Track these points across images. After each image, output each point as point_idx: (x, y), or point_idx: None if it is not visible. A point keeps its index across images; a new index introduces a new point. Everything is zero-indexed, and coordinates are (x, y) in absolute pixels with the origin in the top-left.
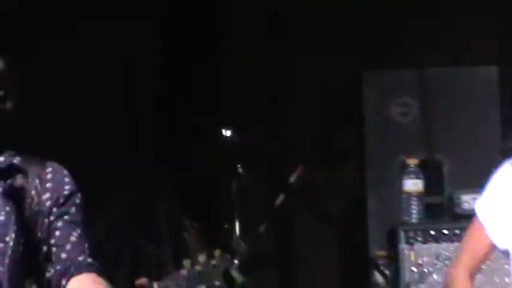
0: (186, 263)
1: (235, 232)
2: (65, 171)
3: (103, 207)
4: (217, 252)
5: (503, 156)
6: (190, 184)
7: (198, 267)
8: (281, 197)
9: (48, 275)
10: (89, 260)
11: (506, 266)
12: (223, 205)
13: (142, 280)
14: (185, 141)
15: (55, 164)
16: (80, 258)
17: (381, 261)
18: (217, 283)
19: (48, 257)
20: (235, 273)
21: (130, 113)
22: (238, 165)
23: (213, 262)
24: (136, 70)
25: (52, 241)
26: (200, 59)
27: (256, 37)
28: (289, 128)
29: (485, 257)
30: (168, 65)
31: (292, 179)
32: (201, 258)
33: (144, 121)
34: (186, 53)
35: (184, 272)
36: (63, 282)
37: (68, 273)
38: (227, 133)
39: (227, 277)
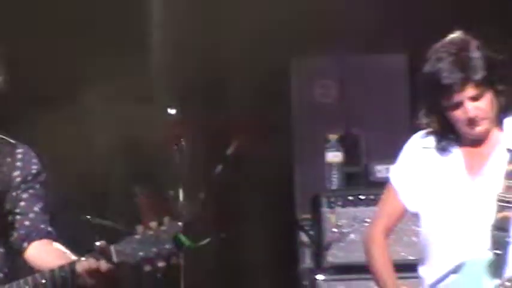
0: (139, 228)
1: (179, 198)
2: (33, 154)
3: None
4: (166, 219)
5: (412, 131)
6: (141, 156)
7: (150, 232)
8: (219, 167)
9: (11, 239)
10: (49, 228)
11: (413, 227)
12: (169, 175)
13: (102, 243)
14: None
15: (26, 146)
16: (42, 226)
17: (306, 223)
18: (167, 246)
19: (12, 224)
20: (183, 238)
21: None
22: (182, 139)
23: (163, 228)
24: None
25: (17, 210)
26: None
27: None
28: (227, 107)
29: (399, 219)
30: None
31: (229, 151)
32: (153, 224)
33: None
34: None
35: (137, 236)
36: (25, 244)
37: (30, 237)
38: (172, 111)
39: (176, 241)
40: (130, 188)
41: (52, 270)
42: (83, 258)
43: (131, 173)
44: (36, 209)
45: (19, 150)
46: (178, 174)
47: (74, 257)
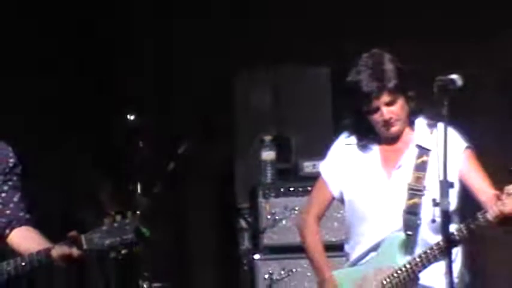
0: (106, 220)
1: (138, 192)
2: (10, 148)
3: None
4: (129, 213)
5: (334, 133)
6: (105, 156)
7: (115, 224)
8: (172, 164)
9: None
10: (27, 216)
11: (335, 214)
12: (129, 172)
13: (73, 233)
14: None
15: (2, 142)
16: (21, 214)
17: (245, 211)
18: (129, 236)
19: None
20: (143, 229)
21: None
22: (140, 141)
23: (127, 221)
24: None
25: None
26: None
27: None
28: (179, 112)
29: (328, 206)
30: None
31: (180, 150)
32: (117, 217)
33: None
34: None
35: (104, 227)
36: (7, 231)
37: (11, 225)
38: (131, 117)
39: (138, 232)
40: (96, 185)
41: (31, 255)
42: (57, 245)
43: (97, 171)
44: (15, 199)
45: None
46: (137, 171)
47: (49, 243)
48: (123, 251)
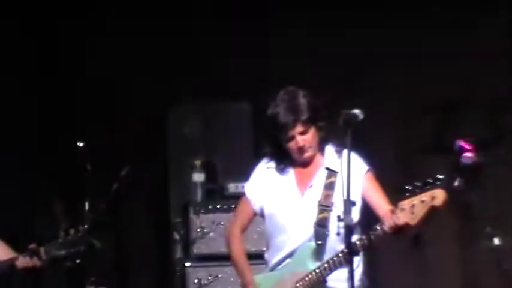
0: (61, 234)
1: (85, 208)
2: None
3: None
4: (81, 228)
5: (254, 160)
6: (60, 176)
7: (69, 237)
8: (115, 185)
9: None
10: None
11: (256, 228)
12: (79, 190)
13: (33, 245)
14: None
15: None
16: None
17: (178, 225)
18: (82, 247)
19: None
20: (95, 241)
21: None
22: (88, 164)
23: (79, 234)
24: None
25: None
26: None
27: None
28: (122, 140)
29: (251, 220)
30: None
31: (122, 172)
32: (71, 231)
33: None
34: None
35: (60, 240)
36: None
37: None
38: (80, 144)
39: (89, 244)
40: (51, 203)
41: None
42: (21, 257)
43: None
44: None
45: None
46: (84, 190)
47: (13, 253)
48: (77, 261)
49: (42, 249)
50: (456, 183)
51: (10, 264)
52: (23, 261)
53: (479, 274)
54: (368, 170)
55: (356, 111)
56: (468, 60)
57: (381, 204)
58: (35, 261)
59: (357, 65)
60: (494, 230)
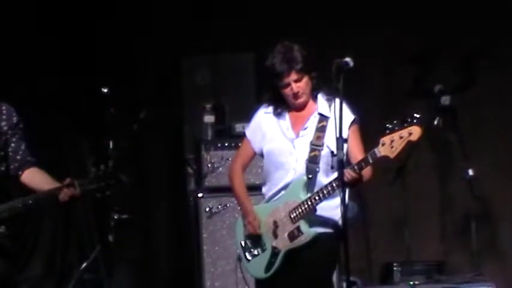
0: (92, 169)
1: (110, 146)
2: (12, 108)
3: None
4: (110, 163)
5: (258, 103)
6: (86, 118)
7: (100, 172)
8: (135, 125)
9: (2, 169)
10: (34, 159)
11: (259, 163)
12: (103, 131)
13: (69, 179)
14: None
15: (6, 104)
16: (28, 158)
17: (191, 161)
18: (111, 181)
19: (5, 159)
20: (122, 176)
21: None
22: (111, 108)
23: (109, 169)
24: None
25: (9, 149)
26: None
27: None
28: (141, 86)
29: (251, 159)
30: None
31: (142, 115)
32: (102, 167)
33: None
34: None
35: (92, 174)
36: (20, 172)
37: (23, 167)
38: (105, 90)
39: (117, 178)
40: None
41: (37, 194)
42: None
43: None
44: (22, 147)
45: (3, 107)
46: (109, 131)
47: (55, 182)
48: (107, 193)
49: (76, 183)
50: (436, 123)
51: (53, 193)
52: (64, 195)
53: (455, 200)
54: (354, 120)
55: (347, 59)
56: (444, 14)
57: (356, 155)
58: (73, 191)
59: (339, 18)
60: (468, 163)
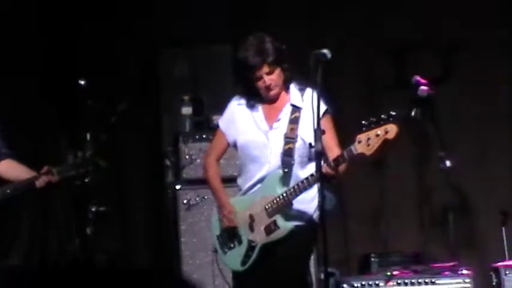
0: (70, 157)
1: (87, 139)
2: None
3: None
4: (88, 152)
5: (233, 95)
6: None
7: (78, 159)
8: (113, 118)
9: None
10: (10, 151)
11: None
12: (81, 123)
13: (46, 167)
14: None
15: None
16: (3, 150)
17: (169, 153)
18: (90, 167)
19: None
20: (100, 161)
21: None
22: (88, 100)
23: (86, 156)
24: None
25: None
26: None
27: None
28: (119, 78)
29: (225, 150)
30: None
31: (120, 108)
32: (79, 154)
33: None
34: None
35: (70, 162)
36: None
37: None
38: (82, 82)
39: (95, 164)
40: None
41: (14, 183)
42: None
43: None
44: None
45: None
46: (87, 123)
47: (32, 172)
48: (86, 180)
49: (54, 170)
50: (413, 114)
51: (31, 181)
52: (41, 181)
53: (432, 191)
54: (326, 110)
55: (325, 50)
56: (425, 6)
57: (331, 146)
58: (50, 177)
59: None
60: (445, 154)
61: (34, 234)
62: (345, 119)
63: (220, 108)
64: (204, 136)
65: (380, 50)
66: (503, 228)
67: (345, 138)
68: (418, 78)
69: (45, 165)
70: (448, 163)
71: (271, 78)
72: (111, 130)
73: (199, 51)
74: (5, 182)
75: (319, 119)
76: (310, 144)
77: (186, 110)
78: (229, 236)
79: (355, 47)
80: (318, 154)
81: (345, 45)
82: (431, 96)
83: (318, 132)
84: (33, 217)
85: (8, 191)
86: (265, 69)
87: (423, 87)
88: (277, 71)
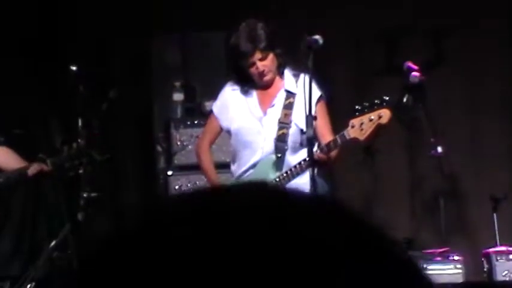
0: (64, 148)
1: (79, 125)
2: None
3: None
4: (82, 142)
5: (227, 81)
6: (54, 97)
7: (72, 151)
8: (105, 105)
9: None
10: (2, 139)
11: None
12: (72, 110)
13: (41, 155)
14: None
15: None
16: None
17: (161, 139)
18: (84, 160)
19: None
20: (95, 154)
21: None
22: (80, 86)
23: (81, 148)
24: None
25: None
26: None
27: None
28: (111, 64)
29: (217, 135)
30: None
31: (111, 94)
32: (74, 145)
33: None
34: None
35: (64, 153)
36: None
37: None
38: (74, 67)
39: (90, 156)
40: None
41: (6, 172)
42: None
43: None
44: None
45: None
46: (78, 110)
47: (24, 161)
48: (80, 171)
49: (48, 161)
50: (405, 100)
51: (23, 171)
52: (32, 169)
53: (424, 178)
54: (320, 97)
55: (317, 36)
56: None
57: (324, 133)
58: (43, 166)
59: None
60: (437, 140)
61: (24, 221)
62: (336, 105)
63: (212, 95)
64: (195, 122)
65: (370, 35)
66: (495, 214)
67: (335, 124)
68: (409, 64)
69: (36, 154)
70: (439, 149)
71: (264, 64)
72: (102, 116)
73: (191, 37)
74: None
75: (310, 104)
76: (302, 130)
77: (178, 96)
78: None
79: (346, 33)
80: (309, 140)
81: (334, 31)
82: (422, 83)
83: (310, 118)
84: (24, 204)
85: (1, 180)
86: (258, 55)
87: (414, 73)
88: (270, 57)
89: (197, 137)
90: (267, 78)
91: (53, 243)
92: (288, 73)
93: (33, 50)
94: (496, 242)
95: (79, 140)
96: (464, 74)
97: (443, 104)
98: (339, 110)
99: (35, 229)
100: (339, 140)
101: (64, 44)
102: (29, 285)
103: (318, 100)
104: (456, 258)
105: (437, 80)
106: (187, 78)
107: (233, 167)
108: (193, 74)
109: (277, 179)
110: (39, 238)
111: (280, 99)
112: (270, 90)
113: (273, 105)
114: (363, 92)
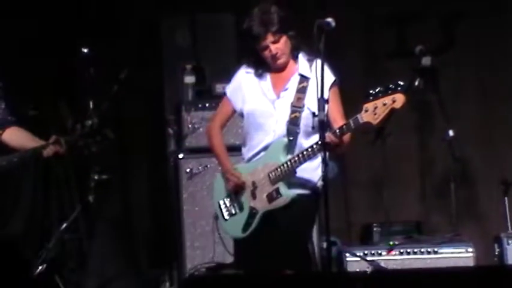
0: (77, 126)
1: (90, 107)
2: None
3: None
4: (95, 121)
5: (238, 64)
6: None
7: (86, 129)
8: (115, 86)
9: None
10: (14, 119)
11: (240, 123)
12: (83, 91)
13: (55, 136)
14: None
15: None
16: (9, 118)
17: (172, 122)
18: (98, 138)
19: None
20: (108, 132)
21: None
22: (91, 68)
23: (94, 127)
24: None
25: None
26: None
27: None
28: (121, 47)
29: (229, 118)
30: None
31: (121, 76)
32: (87, 123)
33: None
34: None
35: (78, 131)
36: (0, 131)
37: (4, 126)
38: (85, 50)
39: (103, 133)
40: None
41: (21, 152)
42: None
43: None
44: (2, 106)
45: None
46: (89, 91)
47: (39, 140)
48: (93, 149)
49: (62, 140)
50: (416, 84)
51: (37, 151)
52: (49, 150)
53: (435, 161)
54: (334, 81)
55: (329, 19)
56: None
57: (336, 117)
58: (58, 148)
59: None
60: (448, 124)
61: (36, 203)
62: (347, 89)
63: (223, 77)
64: (206, 105)
65: (382, 19)
66: (506, 198)
67: (346, 108)
68: (421, 47)
69: (48, 135)
70: (450, 133)
71: (277, 47)
72: (113, 98)
73: (202, 19)
74: (11, 149)
75: (322, 87)
76: (313, 113)
77: (189, 79)
78: (232, 201)
79: (356, 17)
80: (321, 123)
81: (345, 15)
82: (434, 66)
83: (322, 101)
84: (35, 185)
85: (15, 160)
86: (270, 38)
87: (426, 57)
88: (283, 40)
89: (208, 120)
90: (281, 61)
91: (64, 225)
92: (302, 57)
93: (45, 31)
94: (507, 226)
95: (90, 121)
96: (476, 58)
97: (455, 88)
98: (348, 93)
99: (46, 211)
100: (352, 124)
101: (75, 26)
102: (40, 267)
103: (332, 85)
104: (466, 242)
105: (449, 63)
106: (197, 61)
107: (244, 150)
108: (203, 56)
109: (288, 162)
110: (50, 220)
111: (293, 82)
112: (283, 74)
113: (286, 89)
114: (373, 76)
